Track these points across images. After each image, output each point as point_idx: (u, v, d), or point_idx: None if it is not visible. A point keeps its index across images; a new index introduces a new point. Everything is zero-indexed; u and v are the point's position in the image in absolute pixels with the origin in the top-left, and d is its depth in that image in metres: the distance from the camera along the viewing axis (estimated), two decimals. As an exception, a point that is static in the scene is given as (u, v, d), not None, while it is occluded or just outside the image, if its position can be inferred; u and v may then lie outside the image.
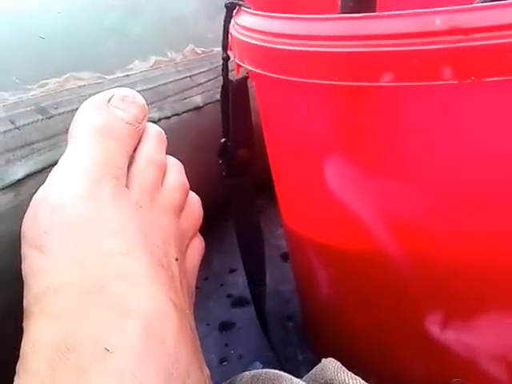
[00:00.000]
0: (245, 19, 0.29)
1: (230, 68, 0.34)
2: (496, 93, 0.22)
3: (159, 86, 0.39)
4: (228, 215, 0.44)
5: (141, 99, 0.30)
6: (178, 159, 0.33)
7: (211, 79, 0.43)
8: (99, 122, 0.28)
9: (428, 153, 0.25)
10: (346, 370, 0.26)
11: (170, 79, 0.40)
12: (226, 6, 0.31)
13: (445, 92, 0.23)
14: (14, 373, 0.22)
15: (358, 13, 0.23)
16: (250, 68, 0.28)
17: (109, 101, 0.29)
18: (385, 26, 0.21)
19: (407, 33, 0.21)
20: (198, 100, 0.42)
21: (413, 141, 0.25)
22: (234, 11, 0.31)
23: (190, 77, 0.41)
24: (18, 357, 0.22)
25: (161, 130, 0.32)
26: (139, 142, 0.30)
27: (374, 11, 0.27)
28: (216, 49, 0.44)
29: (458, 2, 0.21)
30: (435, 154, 0.25)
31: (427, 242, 0.28)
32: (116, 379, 0.21)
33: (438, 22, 0.20)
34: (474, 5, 0.21)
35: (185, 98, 0.41)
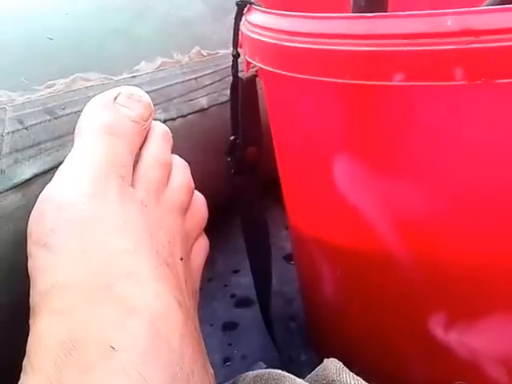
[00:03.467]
0: (256, 17, 0.29)
1: (239, 67, 0.34)
2: (506, 94, 0.22)
3: (165, 87, 0.39)
4: (232, 216, 0.44)
5: (147, 98, 0.30)
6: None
7: (216, 81, 0.43)
8: (105, 120, 0.28)
9: (438, 153, 0.25)
10: (348, 371, 0.26)
11: (176, 81, 0.40)
12: (237, 4, 0.31)
13: (455, 93, 0.23)
14: (20, 369, 0.22)
15: (370, 12, 0.23)
16: (261, 66, 0.28)
17: (115, 99, 0.29)
18: (396, 25, 0.22)
19: (419, 33, 0.21)
20: (203, 102, 0.42)
21: (423, 141, 0.25)
22: (245, 9, 0.31)
23: (196, 79, 0.41)
24: (24, 353, 0.23)
25: (167, 128, 0.32)
26: (145, 140, 0.30)
27: (386, 11, 0.27)
28: (221, 51, 0.44)
29: (470, 4, 0.21)
30: (445, 155, 0.25)
31: (434, 243, 0.28)
32: (121, 377, 0.21)
33: (450, 22, 0.20)
34: (485, 7, 0.21)
35: (190, 100, 0.41)
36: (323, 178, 0.30)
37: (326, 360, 0.27)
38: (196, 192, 0.33)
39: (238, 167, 0.37)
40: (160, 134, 0.31)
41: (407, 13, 0.22)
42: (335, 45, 0.23)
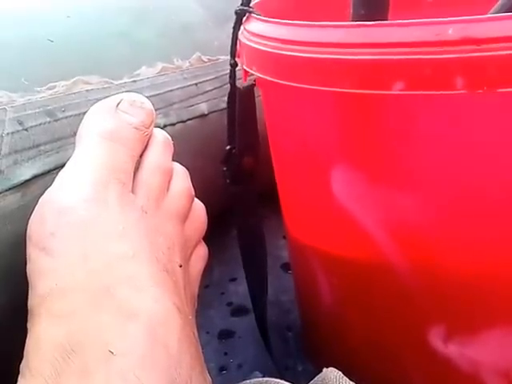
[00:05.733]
0: (255, 26, 0.29)
1: (237, 76, 0.34)
2: (508, 104, 0.22)
3: (165, 92, 0.39)
4: (230, 223, 0.44)
5: (149, 104, 0.30)
6: (182, 165, 0.33)
7: (217, 87, 0.43)
8: (107, 126, 0.28)
9: (437, 163, 0.25)
10: (347, 380, 0.25)
11: (176, 86, 0.40)
12: (236, 13, 0.31)
13: (456, 102, 0.23)
14: (17, 372, 0.22)
15: (370, 20, 0.23)
16: (259, 75, 0.28)
17: (117, 105, 0.29)
18: (397, 34, 0.21)
19: (419, 41, 0.21)
20: (204, 108, 0.42)
21: (422, 151, 0.25)
22: (244, 18, 0.31)
23: (196, 84, 0.41)
24: (22, 356, 0.22)
25: (168, 136, 0.32)
26: (146, 147, 0.30)
27: (386, 19, 0.27)
28: (222, 57, 0.44)
29: (472, 13, 0.21)
30: (445, 165, 0.25)
31: (433, 253, 0.28)
32: (119, 381, 0.21)
33: (451, 31, 0.20)
34: (487, 15, 0.21)
35: (190, 106, 0.41)
36: (321, 187, 0.30)
37: (325, 369, 0.26)
38: (196, 200, 0.33)
39: (234, 177, 0.37)
40: (161, 141, 0.31)
41: (408, 21, 0.21)
42: (334, 54, 0.23)
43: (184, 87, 0.41)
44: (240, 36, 0.31)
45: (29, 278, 0.24)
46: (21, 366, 0.22)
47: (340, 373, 0.26)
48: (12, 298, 0.26)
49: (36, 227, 0.25)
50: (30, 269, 0.24)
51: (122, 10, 0.40)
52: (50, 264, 0.24)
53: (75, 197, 0.25)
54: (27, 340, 0.23)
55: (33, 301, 0.24)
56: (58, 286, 0.23)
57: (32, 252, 0.25)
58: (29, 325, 0.23)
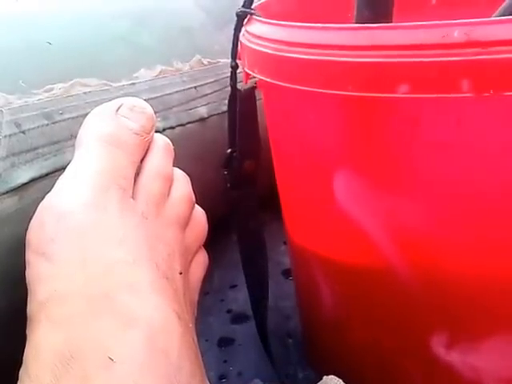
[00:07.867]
0: (256, 28, 0.28)
1: (238, 78, 0.33)
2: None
3: (164, 95, 0.39)
4: (229, 229, 0.43)
5: (150, 109, 0.30)
6: (181, 170, 0.33)
7: (216, 90, 0.43)
8: (107, 131, 0.28)
9: (441, 167, 0.24)
10: (347, 388, 0.25)
11: (176, 89, 0.40)
12: (237, 15, 0.30)
13: (461, 105, 0.22)
14: (15, 378, 0.22)
15: (374, 22, 0.22)
16: (260, 77, 0.28)
17: (117, 110, 0.29)
18: (402, 36, 0.21)
19: (425, 44, 0.20)
20: (203, 111, 0.42)
21: (426, 155, 0.25)
22: (245, 20, 0.31)
23: (196, 87, 0.41)
24: (19, 362, 0.22)
25: (168, 141, 0.32)
26: (146, 152, 0.30)
27: (391, 21, 0.27)
28: (222, 60, 0.44)
29: (476, 14, 0.20)
30: (449, 169, 0.24)
31: (436, 258, 0.27)
32: None
33: (457, 34, 0.20)
34: (493, 18, 0.21)
35: (190, 109, 0.41)
36: (323, 192, 0.29)
37: (325, 377, 0.26)
38: (196, 206, 0.33)
39: (235, 181, 0.37)
40: (162, 146, 0.31)
41: (413, 23, 0.21)
42: (337, 56, 0.23)
43: (183, 90, 0.40)
44: (241, 38, 0.30)
45: (28, 284, 0.24)
46: (20, 372, 0.22)
47: (340, 381, 0.26)
48: (11, 303, 0.26)
49: (35, 232, 0.25)
50: (30, 274, 0.24)
51: (122, 13, 0.40)
52: (49, 269, 0.24)
53: (75, 202, 0.25)
54: (26, 346, 0.23)
55: (32, 306, 0.23)
56: (57, 291, 0.23)
57: (31, 257, 0.24)
58: (28, 331, 0.23)
